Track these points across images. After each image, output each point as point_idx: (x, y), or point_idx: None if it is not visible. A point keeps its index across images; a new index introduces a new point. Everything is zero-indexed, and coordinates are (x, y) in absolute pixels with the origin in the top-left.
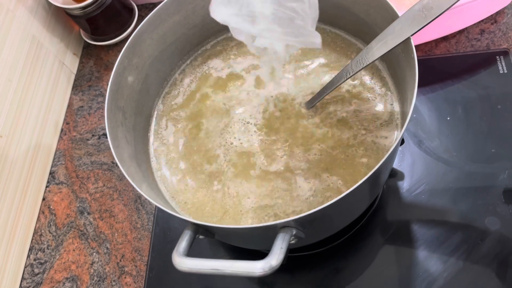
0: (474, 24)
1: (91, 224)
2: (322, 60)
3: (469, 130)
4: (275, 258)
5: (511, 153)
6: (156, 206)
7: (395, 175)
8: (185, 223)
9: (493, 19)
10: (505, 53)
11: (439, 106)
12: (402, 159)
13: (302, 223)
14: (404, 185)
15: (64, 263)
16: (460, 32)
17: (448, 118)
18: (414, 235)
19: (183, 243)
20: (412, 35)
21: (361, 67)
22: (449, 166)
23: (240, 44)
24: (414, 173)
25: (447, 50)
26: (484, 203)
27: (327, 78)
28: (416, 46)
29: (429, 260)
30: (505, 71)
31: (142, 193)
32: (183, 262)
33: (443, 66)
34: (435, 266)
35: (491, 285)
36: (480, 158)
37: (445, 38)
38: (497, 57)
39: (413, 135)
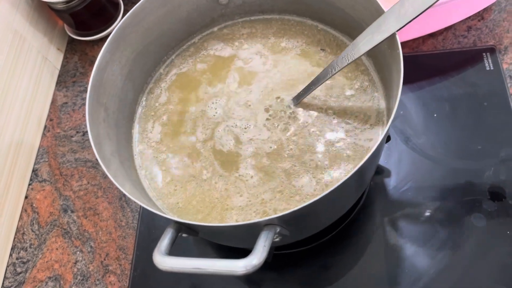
0: (461, 21)
1: (75, 222)
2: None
3: (456, 127)
4: (257, 256)
5: (497, 150)
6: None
7: (382, 172)
8: (168, 221)
9: (480, 16)
10: (491, 50)
11: (426, 103)
12: (389, 156)
13: (286, 221)
14: (391, 182)
15: (47, 262)
16: (447, 29)
17: (435, 115)
18: (401, 232)
19: (164, 242)
20: (397, 31)
21: (346, 63)
22: (436, 163)
23: (227, 38)
24: (401, 170)
25: (434, 47)
26: (470, 200)
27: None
28: (404, 43)
29: (416, 257)
30: (492, 68)
31: (124, 191)
32: (164, 261)
33: (430, 63)
34: (422, 262)
35: (476, 281)
36: (466, 155)
37: (432, 35)
38: (484, 54)
39: (400, 132)
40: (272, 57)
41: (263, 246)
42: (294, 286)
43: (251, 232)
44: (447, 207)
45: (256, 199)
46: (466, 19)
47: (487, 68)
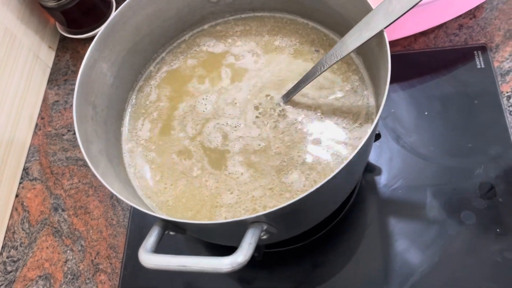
0: (453, 19)
1: (66, 221)
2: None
3: (447, 125)
4: (242, 254)
5: (487, 148)
6: None
7: (373, 170)
8: (154, 218)
9: (472, 14)
10: (483, 48)
11: (417, 101)
12: (379, 154)
13: (274, 218)
14: (382, 180)
15: (37, 261)
16: (439, 27)
17: (426, 113)
18: (391, 230)
19: (150, 240)
20: (385, 28)
21: (335, 61)
22: (426, 161)
23: (220, 35)
24: (391, 168)
25: (426, 45)
26: (460, 198)
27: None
28: (395, 41)
29: (407, 254)
30: (483, 66)
31: (113, 191)
32: (149, 259)
33: (422, 61)
34: (412, 260)
35: (466, 278)
36: (457, 153)
37: (424, 33)
38: (475, 52)
39: (391, 130)
40: (264, 56)
41: (248, 244)
42: (285, 284)
43: (238, 229)
44: (437, 204)
45: (246, 196)
46: (458, 17)
47: (478, 66)
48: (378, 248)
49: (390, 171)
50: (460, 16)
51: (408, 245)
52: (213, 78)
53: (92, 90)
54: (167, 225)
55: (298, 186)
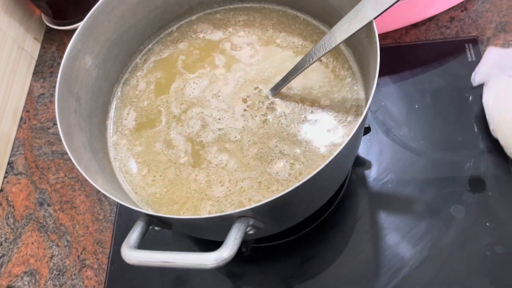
0: (444, 12)
1: (51, 216)
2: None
3: (437, 118)
4: (228, 250)
5: (477, 142)
6: None
7: (362, 164)
8: (138, 214)
9: (463, 6)
10: (474, 41)
11: (407, 94)
12: (369, 148)
13: (260, 213)
14: (372, 174)
15: (22, 256)
16: (430, 19)
17: (417, 106)
18: (381, 224)
19: (133, 235)
20: (374, 18)
21: (324, 52)
22: (417, 155)
23: (217, 25)
24: (381, 162)
25: (417, 37)
26: (450, 192)
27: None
28: (386, 33)
29: (396, 249)
30: (474, 59)
31: (96, 186)
32: (132, 255)
33: (413, 53)
34: (402, 254)
35: (456, 272)
36: (447, 146)
37: (415, 26)
38: (466, 45)
39: (381, 123)
40: (262, 52)
41: (234, 239)
42: (275, 279)
43: (224, 224)
44: (427, 198)
45: (235, 187)
46: (449, 9)
47: (470, 59)
48: (368, 242)
49: (380, 165)
50: (452, 8)
51: (398, 239)
52: (204, 65)
53: (75, 81)
54: (152, 220)
55: (284, 176)
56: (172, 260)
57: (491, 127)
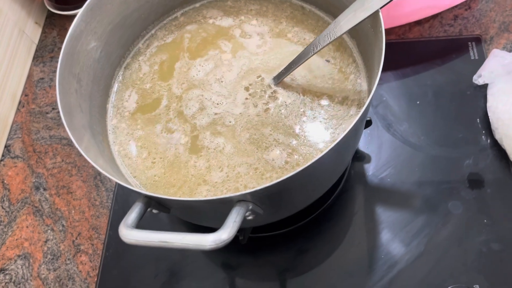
0: (448, 10)
1: (47, 200)
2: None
3: (438, 114)
4: (227, 231)
5: (477, 139)
6: (116, 183)
7: (362, 158)
8: (137, 196)
9: (467, 5)
10: (477, 39)
11: (409, 90)
12: (369, 142)
13: (260, 198)
14: (371, 168)
15: (16, 240)
16: (434, 17)
17: (418, 102)
18: (378, 218)
19: (131, 215)
20: (381, 8)
21: (328, 41)
22: (416, 150)
23: (228, 12)
24: (381, 156)
25: (420, 34)
26: (449, 187)
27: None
28: (390, 29)
29: (392, 243)
30: (476, 58)
31: (96, 166)
32: (129, 234)
33: (416, 50)
34: (398, 249)
35: (451, 268)
36: (447, 143)
37: (418, 22)
38: (469, 43)
39: (381, 118)
40: (271, 43)
41: (233, 222)
42: (270, 271)
43: (223, 208)
44: (425, 194)
45: (233, 172)
46: (453, 7)
47: (472, 58)
48: (365, 236)
49: (379, 159)
50: (456, 6)
51: (394, 234)
52: (211, 49)
53: (77, 62)
54: (150, 202)
55: (280, 163)
56: (170, 240)
57: (495, 130)
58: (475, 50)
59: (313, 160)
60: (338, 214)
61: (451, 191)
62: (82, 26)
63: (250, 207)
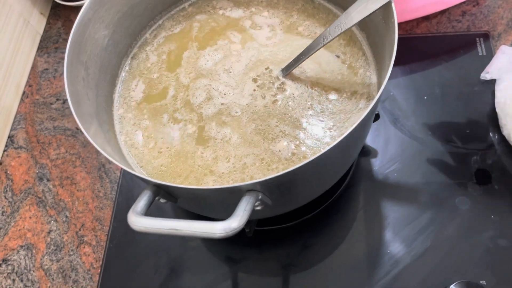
0: (456, 6)
1: (51, 191)
2: (300, 29)
3: (445, 110)
4: (237, 219)
5: (485, 135)
6: (120, 174)
7: (368, 152)
8: (146, 184)
9: (475, 1)
10: (485, 35)
11: (416, 85)
12: (376, 137)
13: (269, 188)
14: (377, 162)
15: (19, 230)
16: (442, 12)
17: (425, 98)
18: (384, 213)
19: (140, 203)
20: None
21: (339, 32)
22: (423, 145)
23: (237, 3)
24: (387, 151)
25: (428, 30)
26: (456, 183)
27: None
28: (398, 25)
29: (398, 238)
30: (484, 54)
31: (104, 153)
32: (138, 221)
33: (423, 45)
34: (403, 244)
35: (457, 263)
36: (454, 139)
37: (426, 18)
38: (477, 39)
39: (389, 112)
40: (281, 36)
41: (243, 210)
42: (274, 265)
43: (232, 198)
44: (432, 189)
45: (239, 162)
46: (461, 3)
47: (480, 54)
48: (371, 230)
49: (386, 154)
50: (464, 2)
51: (400, 229)
52: (221, 39)
53: (84, 50)
54: (159, 190)
55: (287, 155)
56: (180, 228)
57: (503, 126)
58: (483, 46)
59: (326, 149)
60: (344, 209)
61: (458, 186)
62: (90, 14)
63: (260, 197)
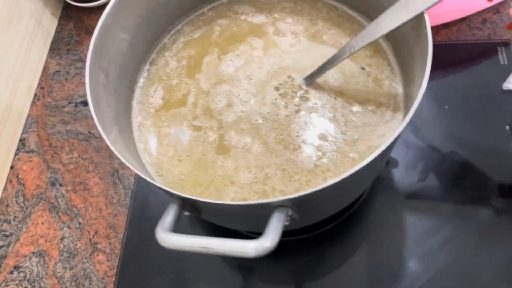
0: (477, 13)
1: (63, 196)
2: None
3: (467, 120)
4: (269, 239)
5: (509, 146)
6: (135, 181)
7: (388, 162)
8: (170, 198)
9: (496, 9)
10: (506, 44)
11: (437, 94)
12: (396, 146)
13: (298, 204)
14: (398, 173)
15: (31, 236)
16: (462, 20)
17: (446, 107)
18: (405, 225)
19: (168, 218)
20: (426, 10)
21: (367, 43)
22: (445, 156)
23: (260, 8)
24: (408, 162)
25: (448, 37)
26: (479, 196)
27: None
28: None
29: (420, 251)
30: (506, 62)
31: (124, 160)
32: (168, 238)
33: (443, 53)
34: (426, 257)
35: (480, 277)
36: (477, 150)
37: (446, 25)
38: (498, 47)
39: (409, 122)
40: (305, 43)
41: (275, 228)
42: (287, 275)
43: (259, 213)
44: (454, 201)
45: (261, 172)
46: (482, 11)
47: (501, 62)
48: (391, 243)
49: (407, 165)
50: (484, 10)
51: (422, 242)
52: (242, 45)
53: (105, 56)
54: (184, 204)
55: (309, 166)
56: (211, 246)
57: None
58: (504, 54)
59: (362, 164)
60: (364, 220)
61: (481, 199)
62: (111, 19)
63: (290, 213)
